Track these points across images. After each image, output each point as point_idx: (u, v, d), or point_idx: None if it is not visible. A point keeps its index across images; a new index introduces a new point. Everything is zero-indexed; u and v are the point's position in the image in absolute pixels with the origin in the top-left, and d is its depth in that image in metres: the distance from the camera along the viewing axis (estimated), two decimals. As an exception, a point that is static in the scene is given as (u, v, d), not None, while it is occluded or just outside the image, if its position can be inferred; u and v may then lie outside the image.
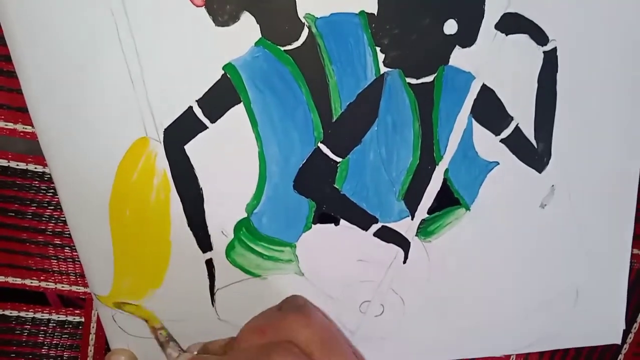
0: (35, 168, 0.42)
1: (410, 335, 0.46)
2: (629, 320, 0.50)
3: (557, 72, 0.41)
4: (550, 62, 0.41)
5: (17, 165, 0.41)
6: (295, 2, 0.37)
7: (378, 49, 0.39)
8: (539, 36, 0.40)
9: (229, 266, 0.42)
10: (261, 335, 0.32)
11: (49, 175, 0.42)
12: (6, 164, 0.41)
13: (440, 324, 0.46)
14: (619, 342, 0.50)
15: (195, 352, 0.35)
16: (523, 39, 0.40)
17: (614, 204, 0.45)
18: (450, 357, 0.49)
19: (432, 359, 0.49)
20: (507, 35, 0.39)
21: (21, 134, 0.41)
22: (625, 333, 0.50)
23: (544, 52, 0.40)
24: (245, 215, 0.41)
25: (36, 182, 0.42)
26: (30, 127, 0.40)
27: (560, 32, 0.40)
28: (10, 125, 0.40)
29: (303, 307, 0.33)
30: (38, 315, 0.46)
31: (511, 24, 0.39)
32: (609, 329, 0.49)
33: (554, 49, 0.40)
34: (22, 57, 0.36)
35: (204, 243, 0.41)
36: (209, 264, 0.42)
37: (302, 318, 0.32)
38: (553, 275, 0.46)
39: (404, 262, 0.44)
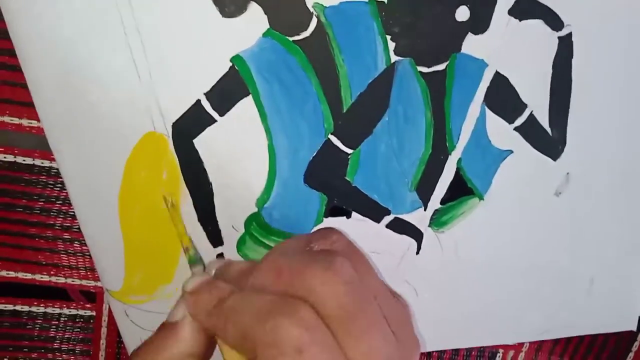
0: (42, 163, 0.41)
1: (424, 326, 0.46)
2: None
3: (572, 58, 0.40)
4: (565, 48, 0.40)
5: (24, 160, 0.41)
6: (303, -9, 0.36)
7: (388, 37, 0.38)
8: (554, 21, 0.39)
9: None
10: (277, 277, 0.28)
11: (56, 170, 0.41)
12: (13, 159, 0.41)
13: (454, 313, 0.46)
14: (634, 328, 0.49)
15: (213, 272, 0.32)
16: (537, 24, 0.39)
17: (629, 191, 0.44)
18: (464, 346, 0.49)
19: (445, 348, 0.49)
20: (520, 20, 0.39)
21: (27, 128, 0.40)
22: (640, 319, 0.50)
23: (559, 37, 0.39)
24: (256, 209, 0.40)
25: (43, 177, 0.42)
26: (36, 122, 0.40)
27: (575, 17, 0.39)
28: (16, 120, 0.40)
29: (331, 257, 0.27)
30: (49, 310, 0.46)
31: (525, 9, 0.38)
32: (624, 316, 0.49)
33: (569, 35, 0.39)
34: (27, 51, 0.35)
35: (215, 238, 0.41)
36: (220, 258, 0.41)
37: (325, 272, 0.27)
38: (567, 262, 0.46)
39: (417, 253, 0.43)
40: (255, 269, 0.29)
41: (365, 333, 0.26)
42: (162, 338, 0.31)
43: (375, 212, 0.42)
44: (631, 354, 0.52)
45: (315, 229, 0.41)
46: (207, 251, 0.41)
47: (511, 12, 0.38)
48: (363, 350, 0.26)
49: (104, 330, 0.47)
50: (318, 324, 0.26)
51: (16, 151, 0.41)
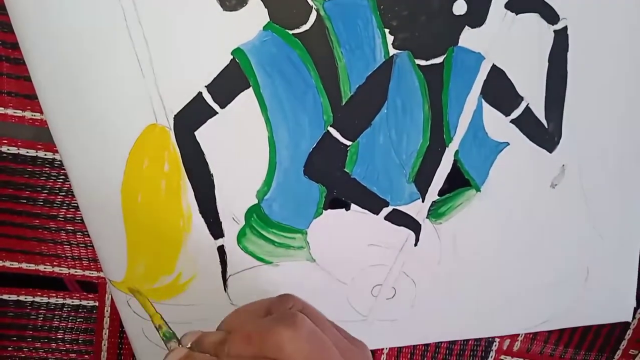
0: (45, 155, 0.42)
1: (422, 317, 0.46)
2: (639, 297, 0.50)
3: (567, 51, 0.40)
4: (560, 42, 0.40)
5: (27, 152, 0.41)
6: (303, -15, 0.36)
7: (387, 30, 0.38)
8: (550, 15, 0.39)
9: (240, 253, 0.42)
10: (248, 343, 0.32)
11: (59, 162, 0.42)
12: (16, 151, 0.41)
13: (451, 305, 0.47)
14: (629, 319, 0.50)
15: (189, 345, 0.35)
16: (533, 18, 0.39)
17: (624, 183, 0.45)
18: (461, 337, 0.50)
19: (444, 339, 0.50)
20: (517, 14, 0.39)
21: (30, 121, 0.41)
22: (635, 310, 0.51)
23: (555, 31, 0.40)
24: (256, 201, 0.41)
25: (47, 169, 0.42)
26: (39, 114, 0.40)
27: (571, 11, 0.39)
28: (19, 113, 0.40)
29: (292, 318, 0.32)
30: (52, 300, 0.46)
31: (521, 3, 0.39)
32: (619, 307, 0.50)
33: (565, 28, 0.40)
34: (31, 45, 0.36)
35: (216, 230, 0.41)
36: (221, 250, 0.42)
37: (289, 331, 0.31)
38: (563, 254, 0.46)
39: (415, 244, 0.44)
40: (228, 339, 0.33)
41: None
42: None
43: (374, 203, 0.42)
44: (624, 342, 0.53)
45: (315, 221, 0.42)
46: (209, 243, 0.42)
47: (508, 5, 0.39)
48: None
49: (106, 320, 0.48)
50: None
51: (19, 143, 0.41)
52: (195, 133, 0.39)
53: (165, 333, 0.37)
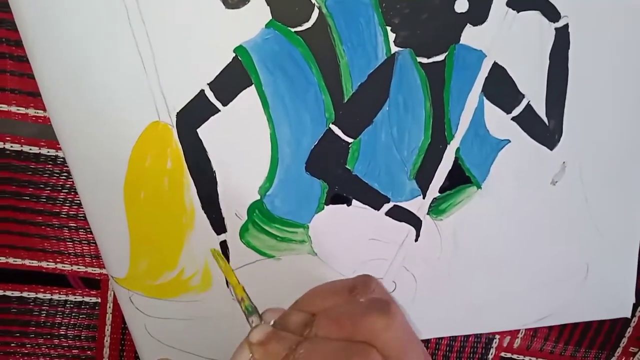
0: (48, 152, 0.42)
1: (422, 312, 0.47)
2: (639, 293, 0.50)
3: (568, 48, 0.40)
4: (562, 39, 0.40)
5: (30, 149, 0.42)
6: (305, -18, 0.37)
7: (389, 28, 0.38)
8: (551, 12, 0.39)
9: (243, 248, 0.42)
10: (340, 327, 0.32)
11: (62, 159, 0.42)
12: (19, 148, 0.42)
13: (451, 300, 0.47)
14: (628, 315, 0.50)
15: (272, 322, 0.35)
16: (534, 15, 0.39)
17: (624, 180, 0.45)
18: (461, 333, 0.50)
19: (444, 334, 0.50)
20: (518, 12, 0.39)
21: (33, 118, 0.41)
22: (635, 306, 0.51)
23: (556, 28, 0.40)
24: (258, 197, 0.41)
25: (49, 166, 0.42)
26: (42, 111, 0.40)
27: (572, 8, 0.39)
28: (22, 110, 0.40)
29: (387, 307, 0.32)
30: (55, 297, 0.47)
31: (523, 0, 0.39)
32: (619, 303, 0.50)
33: (566, 25, 0.40)
34: (34, 42, 0.36)
35: (218, 225, 0.42)
36: (223, 245, 0.42)
37: (385, 320, 0.31)
38: (563, 251, 0.47)
39: (416, 240, 0.44)
40: (316, 322, 0.33)
41: None
42: None
43: (375, 200, 0.42)
44: (624, 339, 0.53)
45: (317, 216, 0.42)
46: (211, 238, 0.42)
47: (509, 3, 0.39)
48: None
49: (109, 316, 0.48)
50: None
51: (22, 140, 0.41)
52: (198, 130, 0.39)
53: (247, 307, 0.37)
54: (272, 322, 0.35)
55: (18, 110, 0.40)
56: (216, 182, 0.40)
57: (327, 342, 0.32)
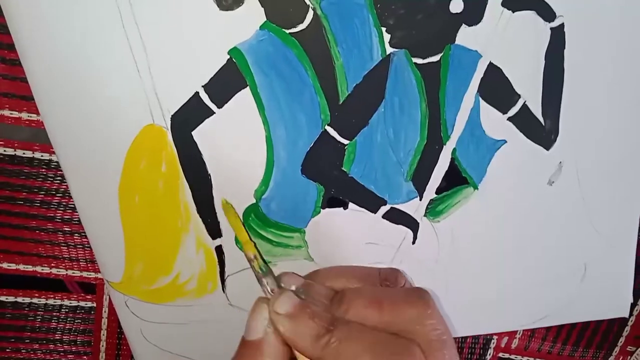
0: (42, 156, 0.41)
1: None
2: (636, 293, 0.50)
3: (564, 48, 0.40)
4: (557, 39, 0.40)
5: (24, 153, 0.41)
6: (299, -16, 0.36)
7: (384, 29, 0.38)
8: (546, 12, 0.39)
9: (238, 253, 0.42)
10: (379, 310, 0.30)
11: (55, 163, 0.42)
12: (12, 153, 0.41)
13: (449, 302, 0.47)
14: (626, 315, 0.50)
15: (294, 287, 0.32)
16: (530, 15, 0.39)
17: (621, 179, 0.45)
18: (459, 335, 0.50)
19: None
20: (513, 12, 0.39)
21: (26, 122, 0.40)
22: (632, 306, 0.51)
23: (551, 28, 0.40)
24: (254, 201, 0.41)
25: (43, 170, 0.42)
26: (35, 115, 0.40)
27: (567, 8, 0.39)
28: (16, 114, 0.40)
29: (427, 296, 0.31)
30: (50, 302, 0.46)
31: (518, 0, 0.39)
32: (617, 303, 0.50)
33: (561, 25, 0.40)
34: (27, 45, 0.36)
35: (214, 229, 0.41)
36: (219, 250, 0.42)
37: (428, 308, 0.30)
38: (561, 251, 0.46)
39: (413, 242, 0.44)
40: (346, 299, 0.31)
41: (455, 356, 0.30)
42: (247, 356, 0.32)
43: (371, 202, 0.42)
44: (622, 339, 0.53)
45: (313, 220, 0.42)
46: (207, 243, 0.42)
47: (504, 3, 0.39)
48: None
49: (104, 321, 0.48)
50: None
51: (16, 144, 0.41)
52: (193, 133, 0.39)
53: (261, 267, 0.34)
54: (293, 288, 0.32)
55: (11, 114, 0.40)
56: (211, 186, 0.40)
57: (364, 331, 0.30)
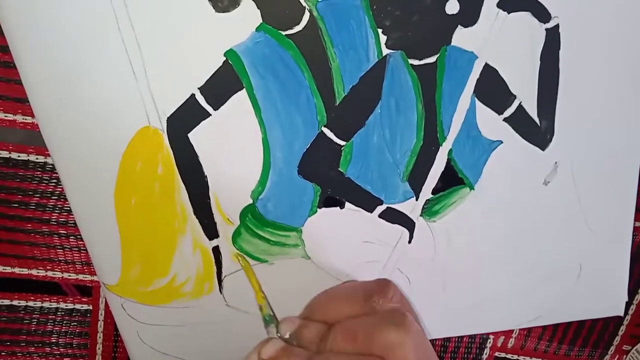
0: (37, 158, 0.41)
1: (416, 313, 0.46)
2: (631, 292, 0.50)
3: (559, 49, 0.40)
4: (552, 40, 0.40)
5: (19, 156, 0.41)
6: (295, -15, 0.36)
7: (380, 30, 0.38)
8: (541, 13, 0.39)
9: (236, 253, 0.42)
10: (353, 341, 0.31)
11: (50, 166, 0.41)
12: (7, 155, 0.41)
13: (446, 301, 0.47)
14: (621, 314, 0.50)
15: (288, 335, 0.35)
16: (525, 16, 0.39)
17: (616, 179, 0.45)
18: (456, 334, 0.50)
19: (438, 336, 0.50)
20: (509, 13, 0.39)
21: (21, 124, 0.40)
22: (627, 305, 0.51)
23: (546, 29, 0.40)
24: (251, 201, 0.41)
25: (38, 173, 0.42)
26: (30, 118, 0.40)
27: (562, 9, 0.39)
28: (10, 117, 0.40)
29: (402, 318, 0.32)
30: (46, 305, 0.46)
31: (513, 1, 0.39)
32: (612, 302, 0.50)
33: (557, 26, 0.40)
34: (21, 48, 0.35)
35: (210, 230, 0.41)
36: (216, 251, 0.42)
37: (400, 335, 0.31)
38: (556, 250, 0.47)
39: (409, 242, 0.44)
40: (330, 335, 0.32)
41: None
42: None
43: (368, 202, 0.42)
44: (618, 338, 0.54)
45: (310, 220, 0.42)
46: (203, 243, 0.42)
47: (500, 4, 0.39)
48: None
49: (100, 323, 0.47)
50: None
51: (11, 147, 0.41)
52: (189, 135, 0.39)
53: (266, 316, 0.36)
54: (287, 335, 0.35)
55: (5, 116, 0.40)
56: (208, 187, 0.40)
57: (338, 356, 0.31)
